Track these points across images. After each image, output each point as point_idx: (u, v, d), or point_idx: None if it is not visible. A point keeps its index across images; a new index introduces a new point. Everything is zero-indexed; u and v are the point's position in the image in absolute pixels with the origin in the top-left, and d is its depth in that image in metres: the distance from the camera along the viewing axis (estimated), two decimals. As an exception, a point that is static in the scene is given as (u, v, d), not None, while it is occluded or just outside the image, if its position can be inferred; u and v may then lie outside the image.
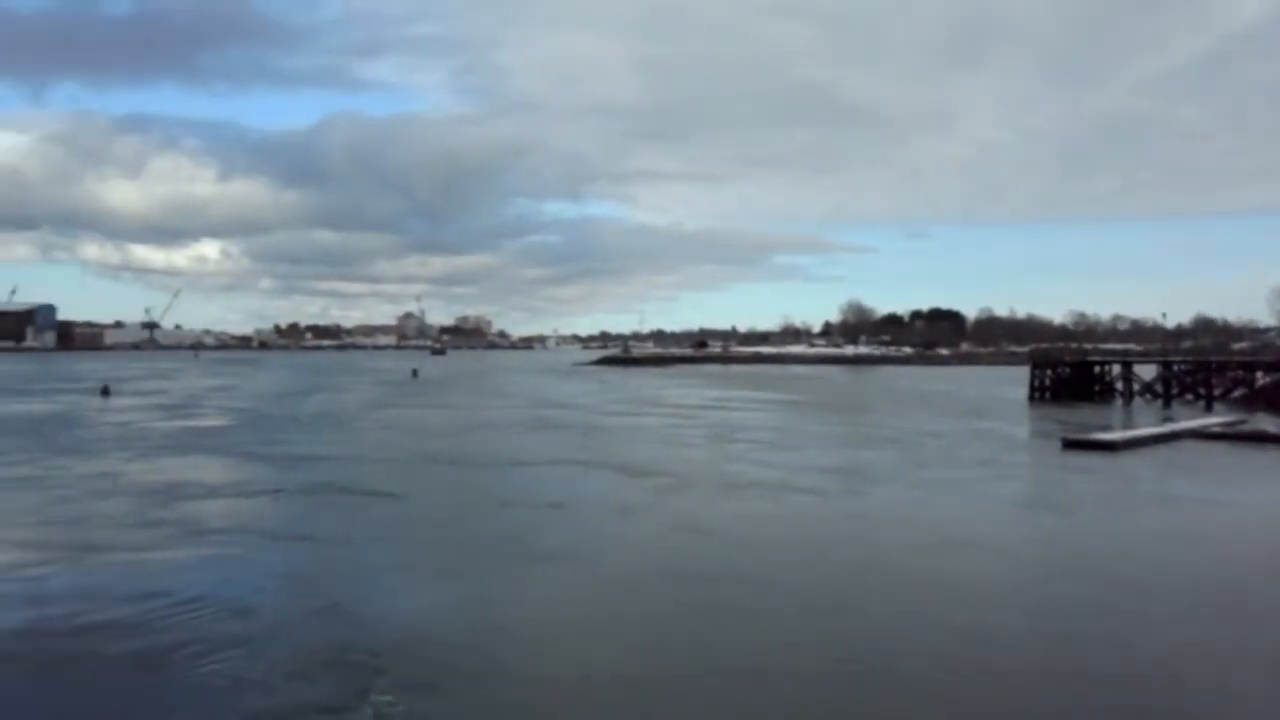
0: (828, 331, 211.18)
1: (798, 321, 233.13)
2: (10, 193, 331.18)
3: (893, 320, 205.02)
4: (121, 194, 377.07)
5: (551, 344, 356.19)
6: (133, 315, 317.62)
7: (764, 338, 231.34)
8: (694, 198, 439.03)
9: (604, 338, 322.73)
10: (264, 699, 9.15)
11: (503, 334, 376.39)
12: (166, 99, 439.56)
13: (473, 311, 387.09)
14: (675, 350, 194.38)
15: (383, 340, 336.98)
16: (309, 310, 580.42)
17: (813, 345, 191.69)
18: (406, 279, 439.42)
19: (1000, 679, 9.92)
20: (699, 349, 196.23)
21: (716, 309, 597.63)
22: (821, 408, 51.65)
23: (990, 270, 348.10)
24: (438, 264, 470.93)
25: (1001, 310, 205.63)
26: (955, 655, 10.55)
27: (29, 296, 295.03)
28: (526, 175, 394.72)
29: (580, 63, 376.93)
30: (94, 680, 9.70)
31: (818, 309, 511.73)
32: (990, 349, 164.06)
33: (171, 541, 16.38)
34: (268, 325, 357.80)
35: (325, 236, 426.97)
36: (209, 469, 25.56)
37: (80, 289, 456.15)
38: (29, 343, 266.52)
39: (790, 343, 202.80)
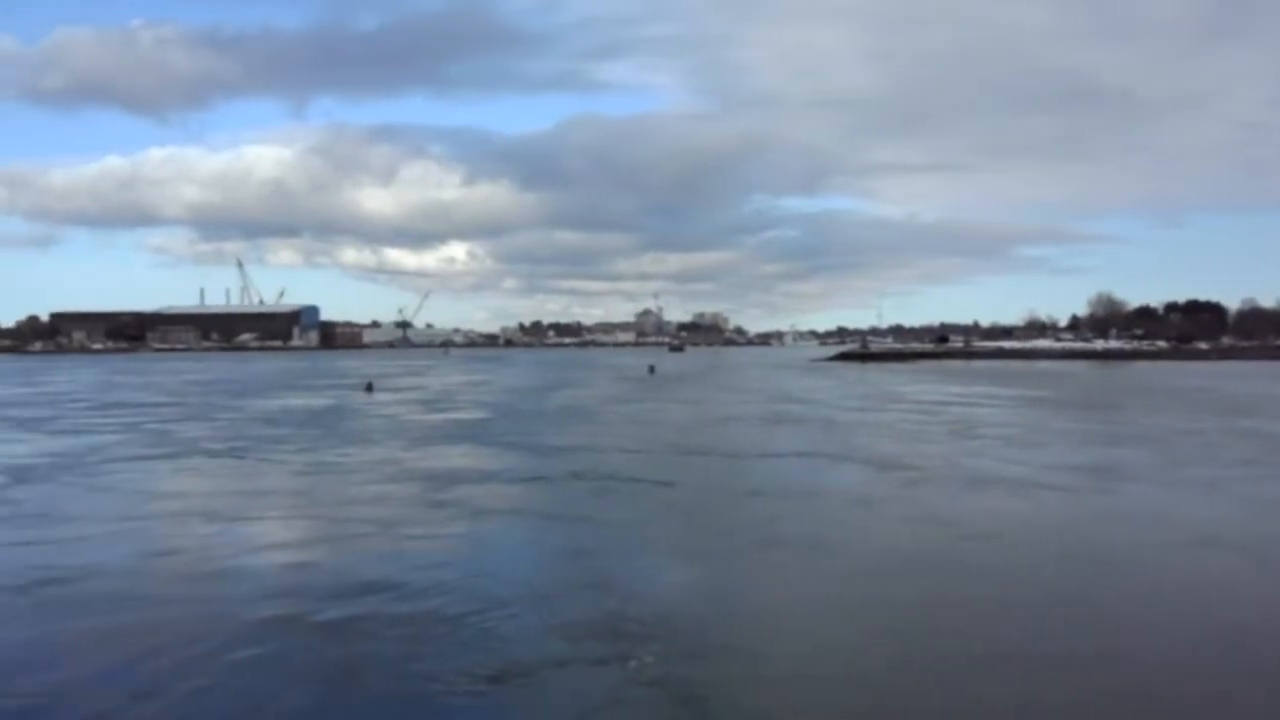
0: (1075, 325, 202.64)
1: (1043, 315, 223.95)
2: (277, 202, 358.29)
3: (1145, 313, 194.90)
4: (375, 201, 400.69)
5: (788, 340, 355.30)
6: (387, 315, 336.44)
7: (1007, 332, 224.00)
8: (933, 189, 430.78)
9: (841, 333, 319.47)
10: (540, 652, 10.35)
11: (740, 330, 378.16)
12: (415, 109, 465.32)
13: (710, 308, 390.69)
14: (915, 345, 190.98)
15: (622, 337, 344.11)
16: (551, 308, 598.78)
17: (1059, 340, 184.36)
18: (644, 276, 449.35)
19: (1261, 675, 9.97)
20: (939, 344, 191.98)
21: (957, 303, 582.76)
22: (1069, 404, 50.27)
23: (1254, 259, 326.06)
24: (675, 261, 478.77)
25: (1268, 301, 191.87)
26: (1207, 655, 10.54)
27: (295, 299, 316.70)
28: (763, 171, 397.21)
29: (816, 56, 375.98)
30: (395, 629, 11.17)
31: (1064, 302, 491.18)
32: (1255, 343, 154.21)
33: (457, 520, 18.15)
34: (512, 323, 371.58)
35: (566, 236, 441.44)
36: (475, 457, 27.63)
37: (340, 291, 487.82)
38: (295, 342, 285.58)
39: (1035, 337, 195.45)
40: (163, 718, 8.67)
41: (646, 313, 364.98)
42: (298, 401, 54.82)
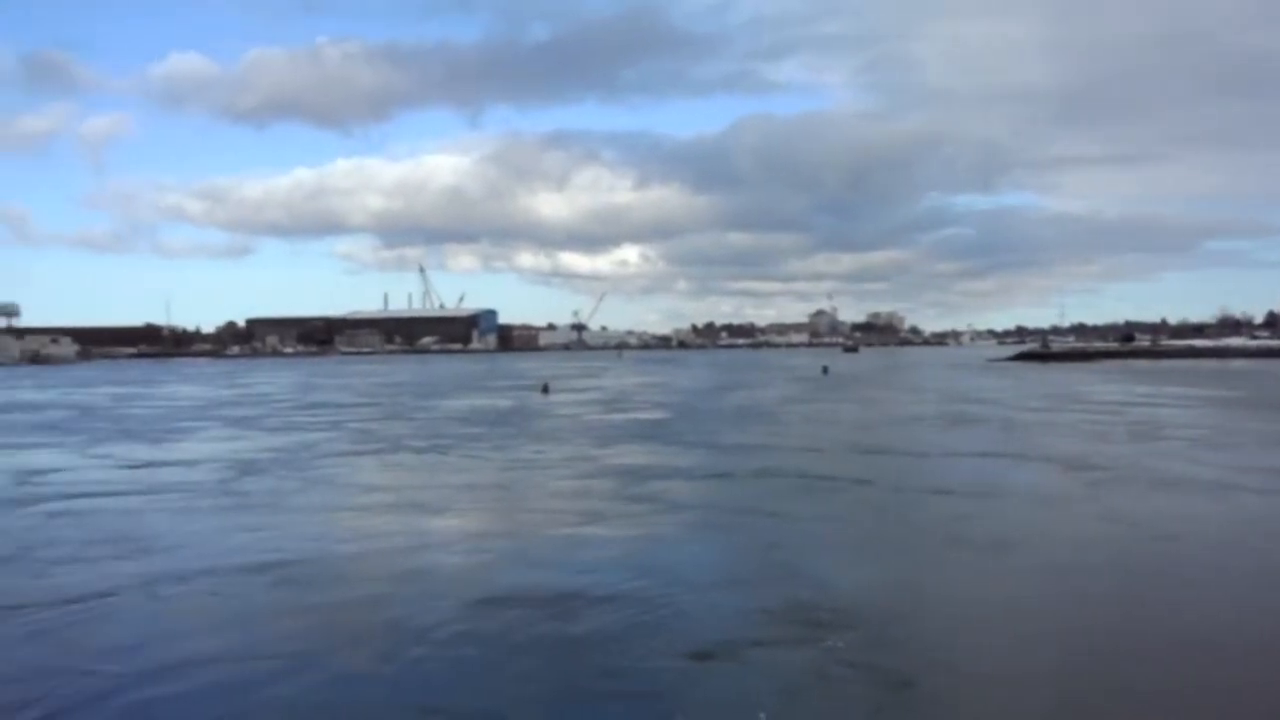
0: (1272, 322, 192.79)
1: (1237, 312, 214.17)
2: (456, 210, 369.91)
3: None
4: (550, 206, 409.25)
5: (965, 339, 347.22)
6: (563, 318, 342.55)
7: (1198, 330, 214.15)
8: (1116, 182, 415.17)
9: (1020, 333, 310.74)
10: (739, 633, 11.04)
11: (915, 330, 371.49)
12: (587, 114, 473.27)
13: (884, 308, 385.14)
14: (1098, 344, 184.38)
15: (795, 338, 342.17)
16: (723, 310, 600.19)
17: (1255, 338, 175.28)
18: (817, 277, 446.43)
19: None
20: (1124, 343, 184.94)
21: (1143, 300, 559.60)
22: (1265, 405, 48.32)
23: None
24: (848, 261, 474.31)
25: None
26: None
27: (474, 303, 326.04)
28: (938, 167, 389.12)
29: (990, 48, 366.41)
30: (602, 610, 12.08)
31: (1260, 298, 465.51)
32: None
33: (653, 512, 19.15)
34: (685, 325, 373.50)
35: (738, 237, 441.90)
36: (661, 454, 28.61)
37: (517, 295, 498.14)
38: (474, 344, 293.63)
39: (1228, 335, 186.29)
40: (403, 678, 9.74)
41: (820, 313, 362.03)
42: (482, 402, 57.07)
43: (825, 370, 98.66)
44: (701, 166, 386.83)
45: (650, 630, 11.24)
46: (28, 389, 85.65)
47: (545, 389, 66.44)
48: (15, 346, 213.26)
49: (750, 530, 17.36)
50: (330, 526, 18.15)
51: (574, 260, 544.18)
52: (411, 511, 19.55)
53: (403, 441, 33.31)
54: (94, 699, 9.27)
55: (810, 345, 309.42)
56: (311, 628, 11.58)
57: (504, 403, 55.78)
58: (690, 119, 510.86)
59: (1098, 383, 71.63)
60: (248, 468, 26.26)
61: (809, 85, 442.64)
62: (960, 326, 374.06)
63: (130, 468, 26.90)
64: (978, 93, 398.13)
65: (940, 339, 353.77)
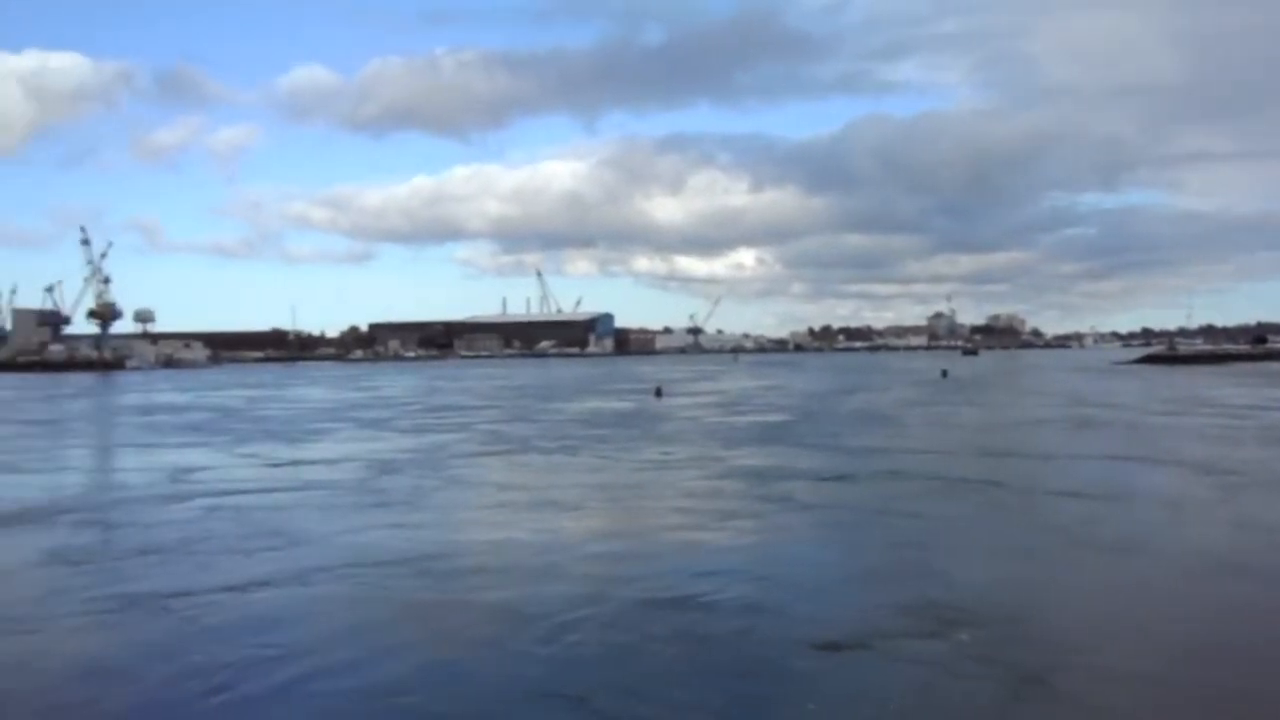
0: None
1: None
2: (573, 214, 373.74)
3: None
4: (665, 210, 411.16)
5: (1089, 342, 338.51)
6: (679, 321, 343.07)
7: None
8: (1248, 179, 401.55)
9: (1146, 334, 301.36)
10: (870, 626, 11.32)
11: (1036, 333, 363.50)
12: (702, 118, 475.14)
13: (1004, 310, 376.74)
14: (1228, 347, 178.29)
15: (913, 341, 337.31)
16: (840, 312, 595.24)
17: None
18: (935, 279, 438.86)
19: None
20: (1257, 345, 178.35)
21: (1277, 300, 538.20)
22: None
23: None
24: (967, 262, 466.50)
25: None
26: None
27: (590, 307, 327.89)
28: (1059, 166, 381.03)
29: (1111, 42, 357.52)
30: (736, 603, 12.48)
31: None
32: None
33: (783, 511, 19.58)
34: (801, 328, 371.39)
35: (854, 239, 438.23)
36: (786, 456, 28.89)
37: (633, 299, 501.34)
38: (591, 348, 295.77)
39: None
40: (553, 660, 10.28)
41: (938, 315, 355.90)
42: (603, 404, 57.96)
43: (944, 373, 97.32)
44: (817, 168, 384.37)
45: (783, 622, 11.63)
46: (167, 391, 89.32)
47: (658, 393, 66.58)
48: (151, 351, 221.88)
49: (879, 529, 17.64)
50: (468, 523, 18.93)
51: (689, 264, 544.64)
52: (546, 509, 20.22)
53: (531, 442, 34.19)
54: (264, 676, 9.96)
55: (928, 348, 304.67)
56: (455, 615, 12.24)
57: (624, 405, 56.50)
58: (805, 121, 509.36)
59: (1228, 386, 69.48)
60: (385, 467, 27.28)
61: (925, 84, 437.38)
62: (1083, 329, 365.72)
63: (274, 466, 28.19)
64: (1099, 88, 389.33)
65: (1062, 342, 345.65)
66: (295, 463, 28.99)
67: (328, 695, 9.47)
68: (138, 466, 28.73)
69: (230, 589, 13.52)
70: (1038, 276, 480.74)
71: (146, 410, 60.15)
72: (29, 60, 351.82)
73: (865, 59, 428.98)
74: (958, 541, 16.62)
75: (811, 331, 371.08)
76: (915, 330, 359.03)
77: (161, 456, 31.27)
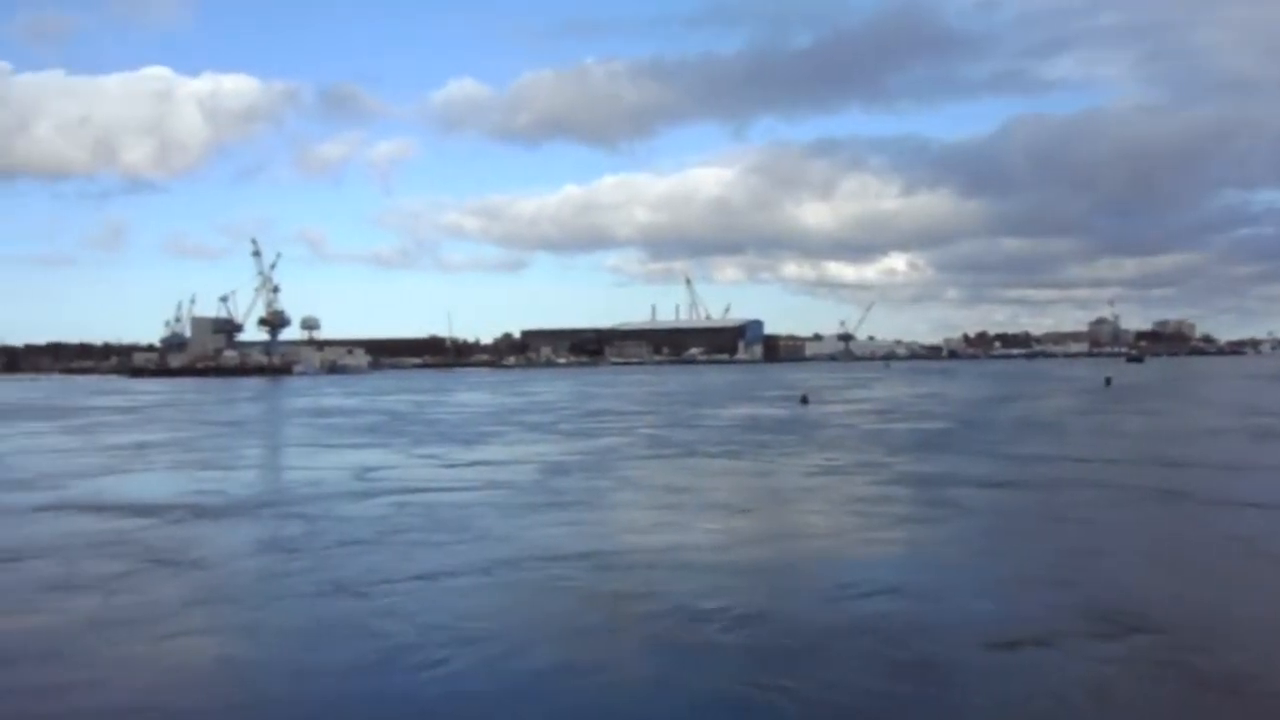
0: None
1: None
2: (721, 221, 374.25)
3: None
4: (815, 215, 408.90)
5: (1265, 348, 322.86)
6: (829, 328, 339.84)
7: None
8: None
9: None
10: (1040, 627, 11.55)
11: (1207, 339, 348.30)
12: (852, 121, 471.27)
13: (1172, 315, 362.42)
14: None
15: (1074, 347, 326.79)
16: (996, 318, 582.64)
17: None
18: (1097, 283, 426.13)
19: None
20: None
21: None
22: None
23: None
24: (1131, 266, 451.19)
25: None
26: None
27: (739, 313, 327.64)
28: (1232, 162, 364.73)
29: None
30: (912, 603, 12.81)
31: None
32: None
33: (955, 517, 19.79)
34: (955, 335, 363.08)
35: (1011, 243, 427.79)
36: (949, 463, 28.75)
37: (782, 305, 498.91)
38: (740, 355, 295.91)
39: None
40: (738, 650, 10.83)
41: (1101, 321, 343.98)
42: (758, 410, 58.37)
43: (1108, 381, 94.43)
44: (971, 170, 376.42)
45: (960, 620, 11.98)
46: (336, 395, 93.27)
47: (804, 400, 66.13)
48: (316, 357, 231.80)
49: (1051, 535, 17.74)
50: (642, 523, 19.62)
51: (839, 269, 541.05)
52: (718, 511, 20.92)
53: (694, 447, 34.90)
54: (467, 654, 10.77)
55: (1090, 355, 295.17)
56: (638, 605, 12.84)
57: (779, 412, 56.75)
58: (959, 121, 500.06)
59: None
60: (557, 469, 28.34)
61: (1084, 81, 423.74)
62: (1260, 334, 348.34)
63: (451, 467, 29.53)
64: (1274, 79, 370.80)
65: (1236, 348, 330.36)
66: (471, 464, 30.27)
67: (529, 674, 10.21)
68: (324, 465, 30.40)
69: (423, 577, 14.54)
70: (1209, 279, 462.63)
71: (321, 413, 63.11)
72: (205, 83, 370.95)
73: (1021, 56, 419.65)
74: (1133, 548, 16.58)
75: (966, 338, 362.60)
76: (1075, 336, 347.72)
77: (345, 456, 33.05)
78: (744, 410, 59.02)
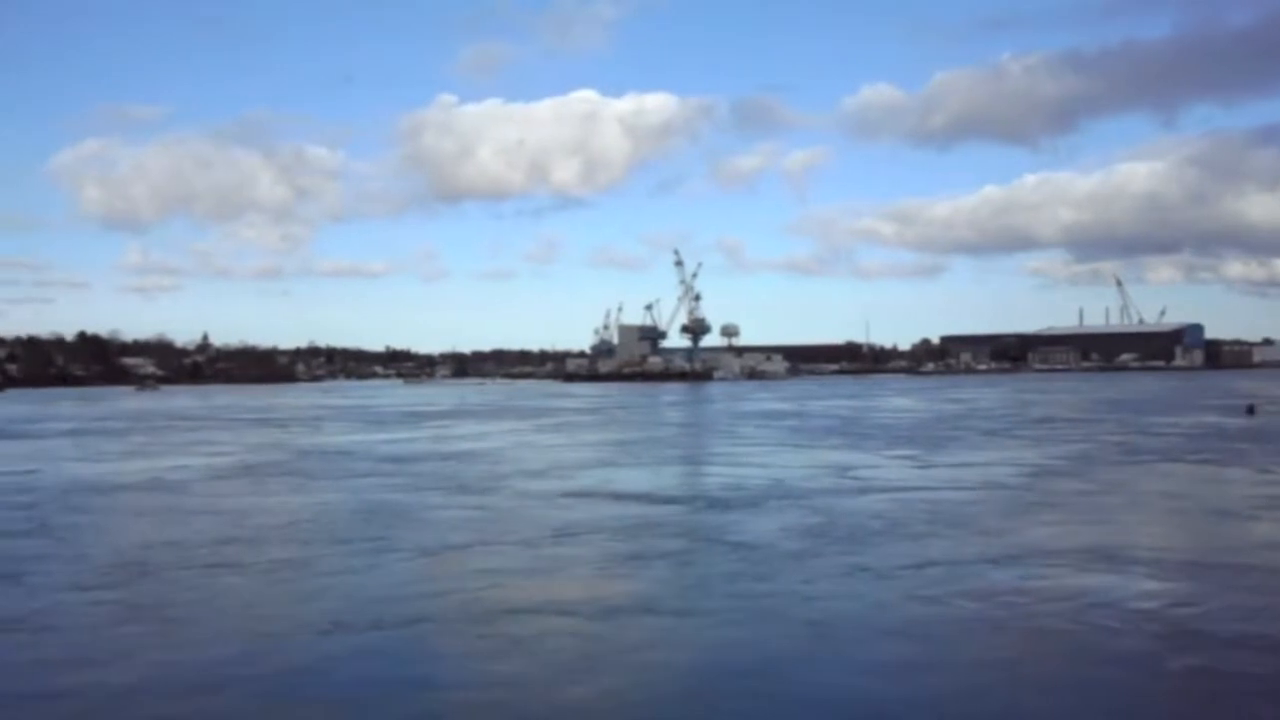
0: None
1: None
2: (1152, 218, 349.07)
3: None
4: (1261, 208, 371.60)
5: None
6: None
7: None
8: None
9: None
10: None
11: None
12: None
13: None
14: None
15: None
16: None
17: None
18: None
19: None
20: None
21: None
22: None
23: None
24: None
25: None
26: None
27: (1176, 317, 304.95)
28: None
29: None
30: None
31: None
32: None
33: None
34: None
35: None
36: None
37: (1225, 307, 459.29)
38: (1178, 361, 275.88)
39: None
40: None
41: None
42: (1213, 420, 54.79)
43: None
44: None
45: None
46: (766, 400, 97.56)
47: (1250, 410, 60.87)
48: (736, 363, 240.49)
49: None
50: (1148, 527, 20.19)
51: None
52: (1227, 520, 20.91)
53: (1169, 453, 34.39)
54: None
55: None
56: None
57: (1240, 422, 53.03)
58: None
59: None
60: (1038, 471, 29.31)
61: None
62: None
63: (928, 468, 31.18)
64: None
65: None
66: (949, 465, 31.74)
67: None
68: (806, 464, 32.86)
69: (936, 564, 16.05)
70: None
71: (769, 416, 66.26)
72: (628, 103, 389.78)
73: None
74: None
75: None
76: None
77: (819, 455, 35.45)
78: (1196, 419, 55.67)
